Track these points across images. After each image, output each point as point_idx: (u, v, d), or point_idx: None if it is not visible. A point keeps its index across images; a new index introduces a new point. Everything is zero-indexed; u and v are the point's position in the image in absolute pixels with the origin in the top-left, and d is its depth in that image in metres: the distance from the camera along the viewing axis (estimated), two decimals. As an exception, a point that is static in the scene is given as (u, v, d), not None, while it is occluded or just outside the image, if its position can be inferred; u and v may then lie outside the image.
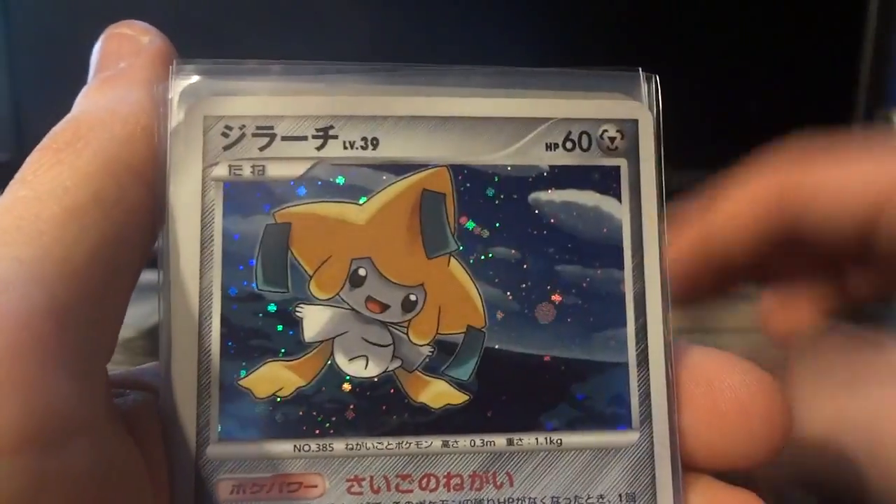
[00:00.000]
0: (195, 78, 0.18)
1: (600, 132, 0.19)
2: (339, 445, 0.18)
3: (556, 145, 0.19)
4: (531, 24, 0.44)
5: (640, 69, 0.20)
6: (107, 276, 0.16)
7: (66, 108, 0.19)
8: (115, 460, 0.16)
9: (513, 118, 0.19)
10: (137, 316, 0.18)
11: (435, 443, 0.18)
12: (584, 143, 0.19)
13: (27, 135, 0.46)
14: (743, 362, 0.19)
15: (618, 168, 0.19)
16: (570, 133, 0.19)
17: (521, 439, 0.18)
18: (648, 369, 0.19)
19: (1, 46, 0.46)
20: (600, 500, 0.18)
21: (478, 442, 0.18)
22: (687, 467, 0.19)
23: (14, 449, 0.13)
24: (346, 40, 0.43)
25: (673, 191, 0.20)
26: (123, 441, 0.16)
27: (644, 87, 0.19)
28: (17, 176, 0.17)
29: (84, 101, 0.18)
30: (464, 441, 0.18)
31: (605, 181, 0.19)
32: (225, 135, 0.18)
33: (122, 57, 0.19)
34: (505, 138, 0.19)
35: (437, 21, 0.44)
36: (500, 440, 0.18)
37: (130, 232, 0.17)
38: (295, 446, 0.18)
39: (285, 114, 0.18)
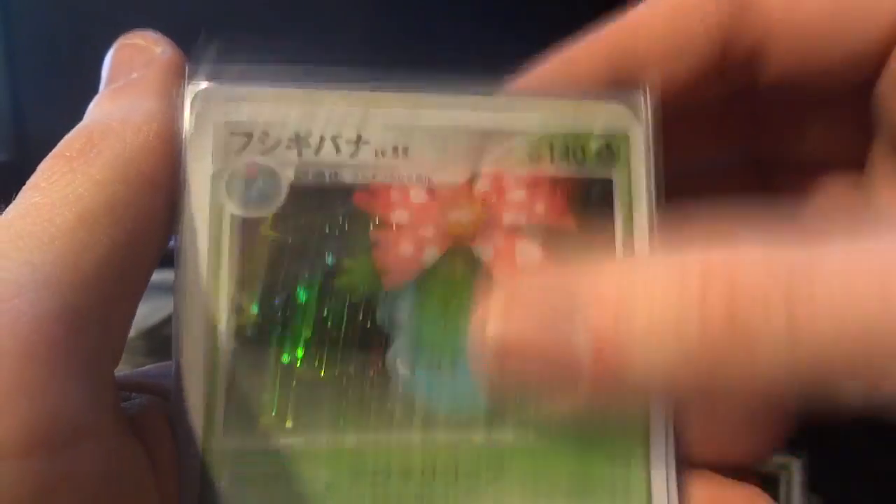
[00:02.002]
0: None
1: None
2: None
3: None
4: (526, 26, 0.44)
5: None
6: (117, 282, 0.17)
7: (67, 108, 0.19)
8: (123, 464, 0.16)
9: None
10: (137, 316, 0.18)
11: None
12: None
13: (27, 135, 0.46)
14: None
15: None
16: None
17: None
18: None
19: (1, 47, 0.46)
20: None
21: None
22: (689, 463, 0.19)
23: (23, 451, 0.14)
24: (344, 41, 0.43)
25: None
26: (130, 445, 0.16)
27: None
28: (30, 182, 0.17)
29: (96, 110, 0.19)
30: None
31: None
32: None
33: (134, 67, 0.19)
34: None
35: (435, 22, 0.44)
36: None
37: (141, 238, 0.17)
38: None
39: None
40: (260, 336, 0.18)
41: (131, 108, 0.18)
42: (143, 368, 0.20)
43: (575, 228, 0.19)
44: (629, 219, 0.19)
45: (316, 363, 0.18)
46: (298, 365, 0.18)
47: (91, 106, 0.19)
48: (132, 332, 0.18)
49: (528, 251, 0.19)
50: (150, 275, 0.18)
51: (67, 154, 0.17)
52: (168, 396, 0.18)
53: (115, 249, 0.16)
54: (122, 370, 0.19)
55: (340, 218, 0.19)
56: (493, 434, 0.18)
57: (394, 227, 0.19)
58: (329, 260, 0.19)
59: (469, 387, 0.18)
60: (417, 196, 0.19)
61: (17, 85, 0.46)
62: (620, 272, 0.16)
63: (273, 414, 0.18)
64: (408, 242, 0.19)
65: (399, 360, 0.19)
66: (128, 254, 0.17)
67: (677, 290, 0.15)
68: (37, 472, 0.14)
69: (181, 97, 0.19)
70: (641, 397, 0.18)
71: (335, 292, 0.18)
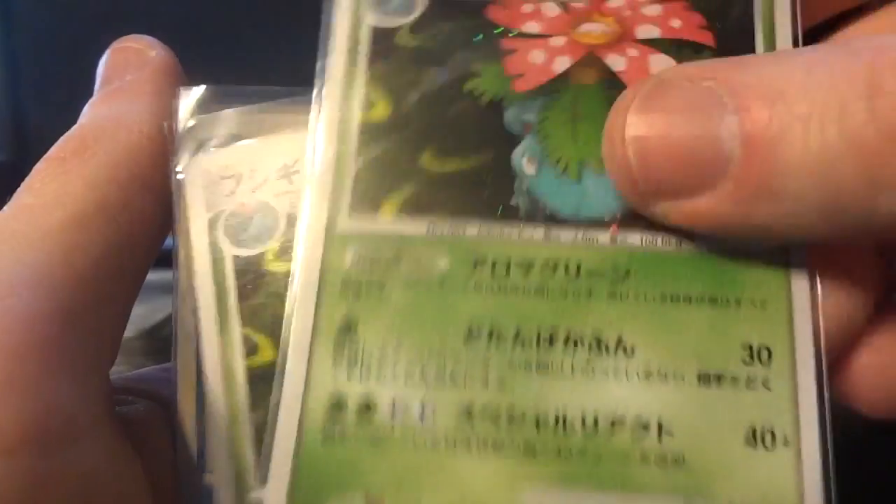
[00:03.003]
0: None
1: None
2: None
3: None
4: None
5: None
6: (111, 282, 0.17)
7: (66, 108, 0.19)
8: (114, 465, 0.16)
9: None
10: (136, 316, 0.18)
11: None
12: None
13: (27, 135, 0.46)
14: None
15: None
16: None
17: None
18: None
19: (1, 48, 0.46)
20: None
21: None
22: None
23: (15, 449, 0.14)
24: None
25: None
26: (122, 446, 0.16)
27: None
28: (24, 184, 0.17)
29: (90, 112, 0.19)
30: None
31: None
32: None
33: (129, 70, 0.19)
34: None
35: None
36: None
37: (134, 238, 0.17)
38: None
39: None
40: (389, 132, 0.19)
41: (125, 110, 0.18)
42: (141, 371, 0.20)
43: (713, 44, 0.19)
44: (770, 36, 0.19)
45: (443, 158, 0.18)
46: (425, 160, 0.18)
47: (85, 108, 0.19)
48: (131, 333, 0.18)
49: (663, 63, 0.19)
50: (144, 275, 0.18)
51: (61, 156, 0.17)
52: (166, 404, 0.18)
53: (108, 249, 0.16)
54: (122, 371, 0.19)
55: (473, 28, 0.19)
56: (619, 237, 0.18)
57: (526, 37, 0.19)
58: (460, 64, 0.19)
59: (594, 193, 0.18)
60: (550, 10, 0.20)
61: (17, 85, 0.46)
62: (775, 62, 0.15)
63: (397, 203, 0.18)
64: (539, 50, 0.19)
65: (526, 158, 0.18)
66: (121, 254, 0.17)
67: (843, 78, 0.13)
68: (27, 469, 0.14)
69: (175, 99, 0.18)
70: (786, 209, 0.15)
71: (465, 93, 0.19)
